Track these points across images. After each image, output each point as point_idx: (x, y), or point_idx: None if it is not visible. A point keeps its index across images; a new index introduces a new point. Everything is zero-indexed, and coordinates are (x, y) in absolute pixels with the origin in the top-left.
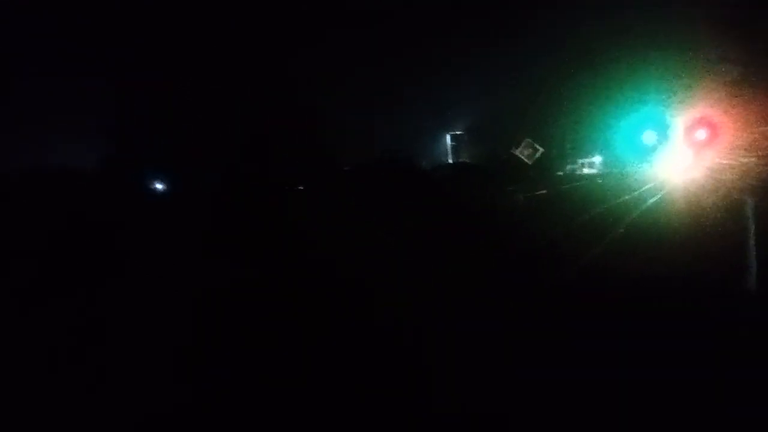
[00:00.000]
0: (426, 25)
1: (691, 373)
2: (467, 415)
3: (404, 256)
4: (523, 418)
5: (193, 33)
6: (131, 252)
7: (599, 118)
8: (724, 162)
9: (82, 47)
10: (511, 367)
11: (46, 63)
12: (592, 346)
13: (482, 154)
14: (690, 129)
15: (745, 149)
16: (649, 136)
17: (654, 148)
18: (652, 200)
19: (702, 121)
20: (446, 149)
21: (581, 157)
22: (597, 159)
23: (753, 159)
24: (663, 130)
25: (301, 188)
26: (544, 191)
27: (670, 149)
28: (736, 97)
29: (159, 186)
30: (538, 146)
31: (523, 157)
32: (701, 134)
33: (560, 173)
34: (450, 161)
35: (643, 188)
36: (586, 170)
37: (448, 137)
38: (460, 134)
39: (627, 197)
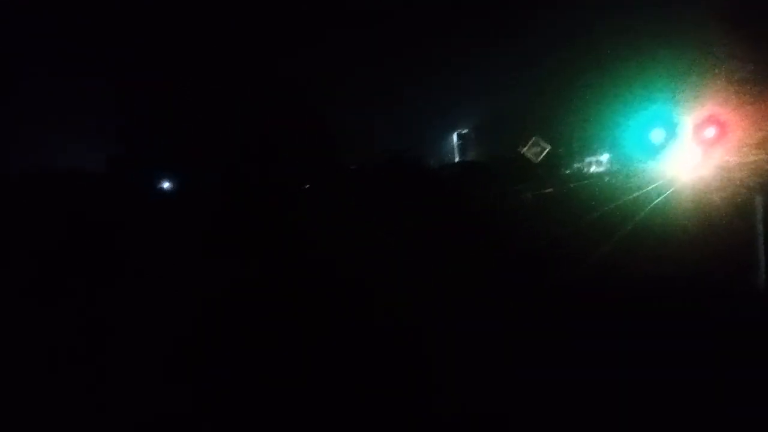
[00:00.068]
0: (433, 23)
1: (691, 374)
2: (467, 415)
3: (409, 255)
4: (523, 418)
5: (194, 33)
6: (135, 252)
7: (607, 116)
8: (733, 160)
9: (83, 47)
10: (511, 367)
11: (47, 63)
12: (593, 346)
13: (489, 153)
14: (698, 127)
15: (755, 147)
16: (657, 134)
17: (662, 146)
18: (660, 198)
19: (711, 119)
20: (453, 148)
21: (589, 156)
22: (605, 157)
23: (762, 156)
24: (671, 128)
25: (308, 186)
26: (551, 190)
27: (678, 147)
28: (745, 94)
29: (163, 186)
30: (545, 144)
31: (530, 156)
32: (710, 132)
33: (567, 171)
34: (457, 160)
35: (651, 186)
36: (593, 168)
37: (454, 136)
38: (466, 133)
39: (635, 195)
